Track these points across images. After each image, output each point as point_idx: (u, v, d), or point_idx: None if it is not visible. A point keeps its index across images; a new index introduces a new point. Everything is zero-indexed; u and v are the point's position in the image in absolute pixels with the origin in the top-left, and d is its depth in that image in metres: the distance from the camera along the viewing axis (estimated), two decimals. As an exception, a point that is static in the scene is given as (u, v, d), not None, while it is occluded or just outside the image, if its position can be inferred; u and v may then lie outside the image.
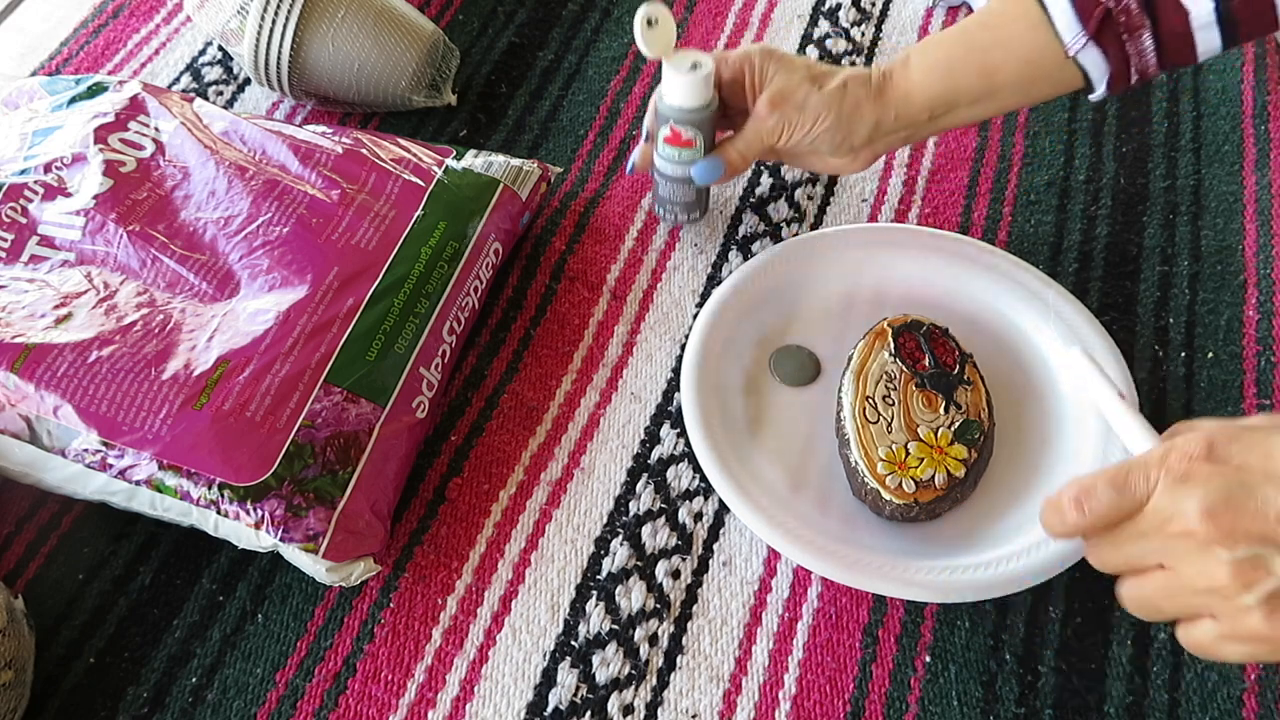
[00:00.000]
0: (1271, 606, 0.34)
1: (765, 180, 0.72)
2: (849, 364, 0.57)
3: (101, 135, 0.62)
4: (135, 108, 0.65)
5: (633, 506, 0.58)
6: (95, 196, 0.60)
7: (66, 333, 0.54)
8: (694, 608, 0.54)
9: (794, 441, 0.58)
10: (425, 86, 0.74)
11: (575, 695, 0.52)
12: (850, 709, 0.51)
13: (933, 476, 0.53)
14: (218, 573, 0.56)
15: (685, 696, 0.52)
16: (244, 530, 0.51)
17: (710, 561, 0.56)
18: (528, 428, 0.61)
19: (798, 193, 0.71)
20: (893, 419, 0.54)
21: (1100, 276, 0.66)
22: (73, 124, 0.63)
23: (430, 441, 0.60)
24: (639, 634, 0.53)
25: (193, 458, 0.51)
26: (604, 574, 0.55)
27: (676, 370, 0.63)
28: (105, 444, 0.51)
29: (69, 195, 0.60)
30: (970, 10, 0.82)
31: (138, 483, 0.51)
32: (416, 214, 0.62)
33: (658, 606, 0.54)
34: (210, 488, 0.50)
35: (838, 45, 0.81)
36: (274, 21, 0.70)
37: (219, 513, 0.51)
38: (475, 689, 0.52)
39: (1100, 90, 0.53)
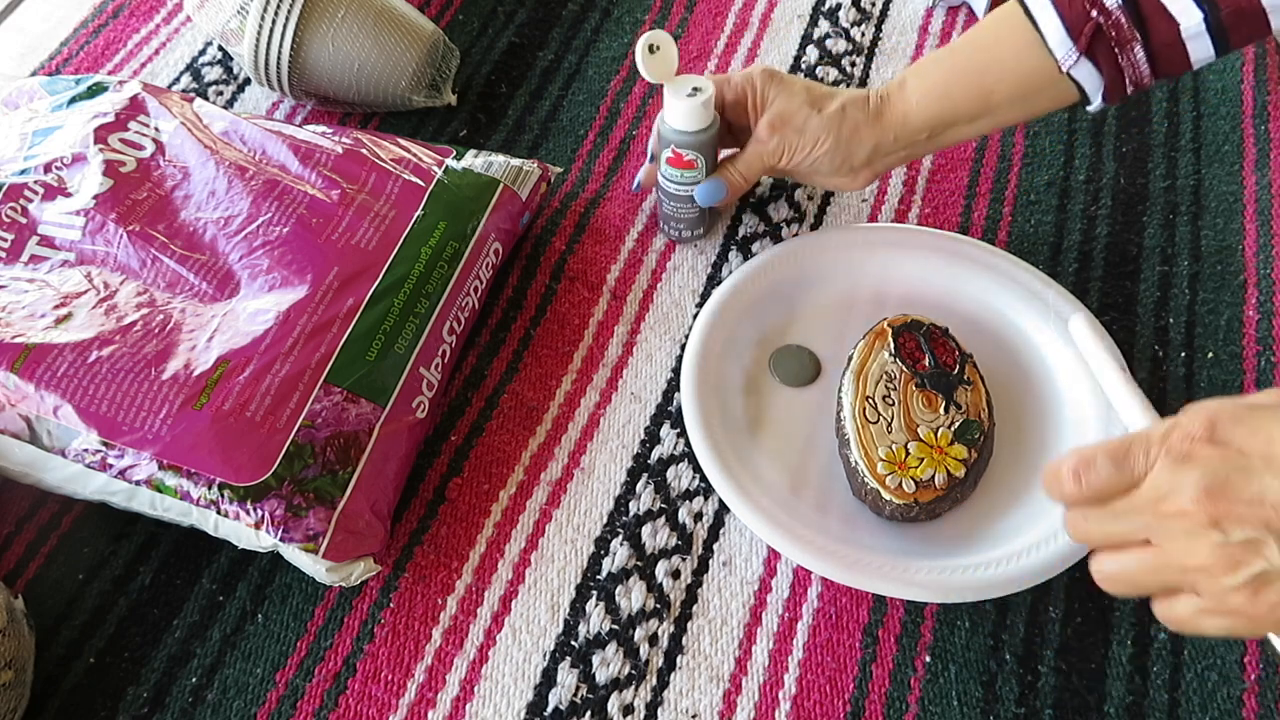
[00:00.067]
0: (1256, 586, 0.35)
1: (765, 180, 0.72)
2: (849, 364, 0.57)
3: (101, 135, 0.62)
4: (135, 108, 0.65)
5: (633, 506, 0.58)
6: (95, 196, 0.60)
7: (66, 333, 0.54)
8: (694, 608, 0.54)
9: (794, 441, 0.58)
10: (425, 86, 0.74)
11: (575, 695, 0.52)
12: (850, 709, 0.51)
13: (933, 476, 0.53)
14: (218, 573, 0.56)
15: (685, 696, 0.52)
16: (244, 530, 0.51)
17: (710, 561, 0.56)
18: (528, 428, 0.61)
19: (798, 193, 0.71)
20: (893, 419, 0.54)
21: (1100, 276, 0.66)
22: (73, 124, 0.63)
23: (430, 441, 0.60)
24: (639, 634, 0.53)
25: (193, 458, 0.51)
26: (604, 574, 0.55)
27: (676, 370, 0.63)
28: (105, 444, 0.51)
29: (69, 195, 0.60)
30: (970, 10, 0.82)
31: (138, 483, 0.51)
32: (416, 214, 0.62)
33: (658, 606, 0.54)
34: (210, 488, 0.50)
35: (838, 45, 0.80)
36: (274, 21, 0.70)
37: (219, 513, 0.51)
38: (475, 689, 0.52)
39: (1097, 103, 0.54)
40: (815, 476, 0.57)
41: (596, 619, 0.54)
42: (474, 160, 0.66)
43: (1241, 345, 0.63)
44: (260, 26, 0.70)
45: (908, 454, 0.53)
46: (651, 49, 0.58)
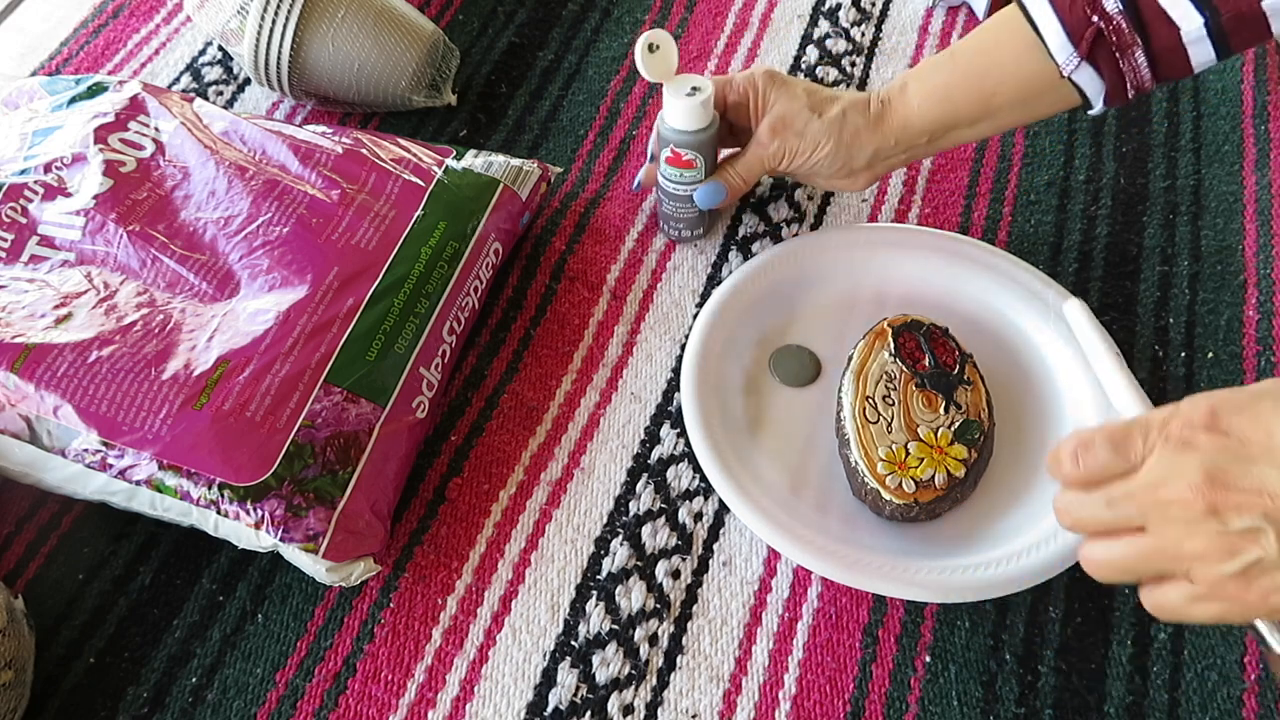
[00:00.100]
0: (1250, 574, 0.35)
1: (765, 180, 0.72)
2: (849, 364, 0.57)
3: (101, 135, 0.62)
4: (135, 108, 0.65)
5: (633, 506, 0.58)
6: (95, 196, 0.60)
7: (66, 333, 0.54)
8: (694, 608, 0.54)
9: (794, 441, 0.58)
10: (425, 86, 0.74)
11: (575, 695, 0.52)
12: (850, 709, 0.51)
13: (933, 476, 0.53)
14: (218, 573, 0.56)
15: (685, 696, 0.52)
16: (244, 530, 0.51)
17: (710, 561, 0.56)
18: (528, 428, 0.61)
19: (798, 193, 0.71)
20: (893, 419, 0.54)
21: (1100, 276, 0.66)
22: (73, 124, 0.63)
23: (430, 441, 0.60)
24: (639, 634, 0.53)
25: (193, 458, 0.51)
26: (604, 574, 0.55)
27: (676, 370, 0.63)
28: (105, 444, 0.51)
29: (69, 195, 0.60)
30: (970, 11, 0.82)
31: (138, 483, 0.51)
32: (416, 214, 0.62)
33: (658, 606, 0.54)
34: (210, 488, 0.50)
35: (838, 45, 0.81)
36: (274, 21, 0.70)
37: (219, 513, 0.51)
38: (475, 689, 0.52)
39: (1098, 107, 0.54)
40: (815, 476, 0.57)
41: (596, 619, 0.54)
42: (474, 160, 0.66)
43: (1241, 345, 0.63)
44: (260, 26, 0.70)
45: (908, 454, 0.53)
46: (651, 48, 0.58)
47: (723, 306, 0.62)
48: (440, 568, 0.56)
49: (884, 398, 0.55)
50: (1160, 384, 0.61)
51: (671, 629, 0.54)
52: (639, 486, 0.58)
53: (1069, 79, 0.53)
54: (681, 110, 0.59)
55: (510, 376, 0.63)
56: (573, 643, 0.53)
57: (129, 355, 0.53)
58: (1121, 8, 0.49)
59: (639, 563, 0.56)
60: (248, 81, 0.79)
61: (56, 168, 0.61)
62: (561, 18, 0.83)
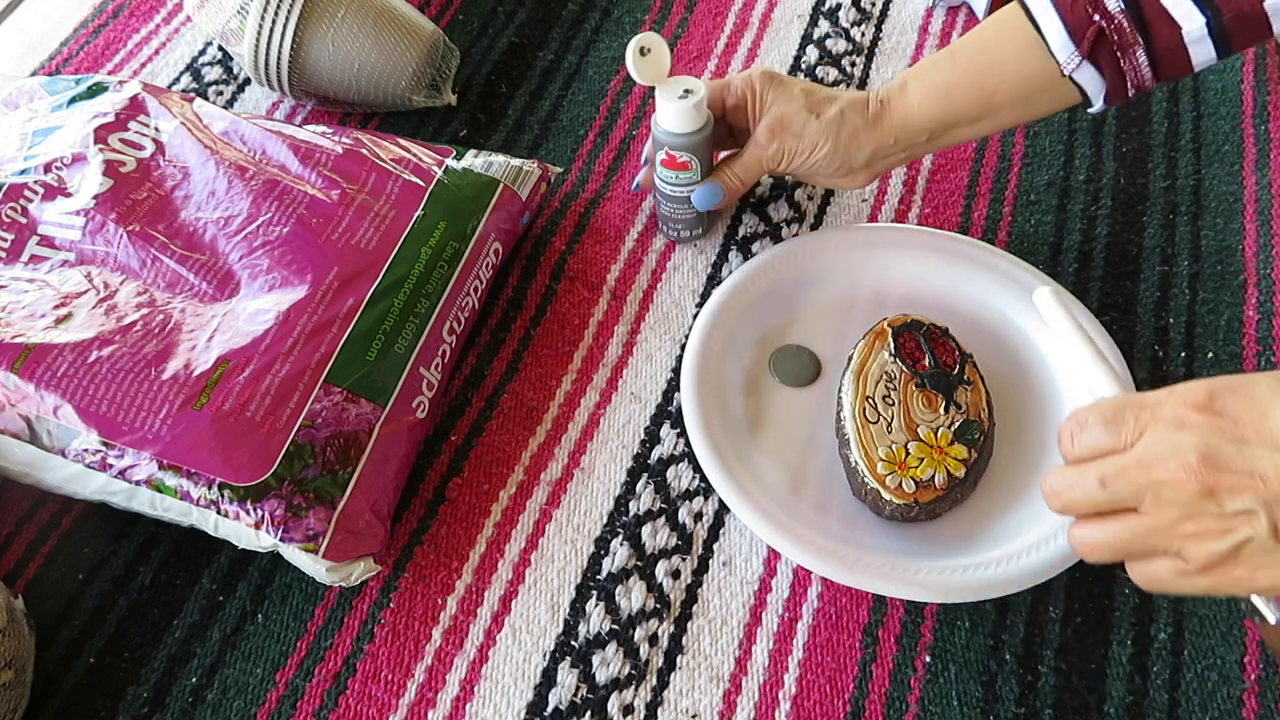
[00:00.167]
0: (1240, 552, 0.35)
1: (765, 180, 0.72)
2: (849, 364, 0.57)
3: (101, 135, 0.62)
4: (135, 108, 0.65)
5: (633, 506, 0.58)
6: (95, 196, 0.60)
7: (66, 333, 0.54)
8: (694, 608, 0.54)
9: (794, 441, 0.58)
10: (425, 86, 0.74)
11: (575, 695, 0.52)
12: (850, 709, 0.51)
13: (933, 476, 0.53)
14: (218, 573, 0.56)
15: (685, 696, 0.52)
16: (244, 530, 0.51)
17: (710, 561, 0.56)
18: (528, 428, 0.61)
19: (798, 193, 0.71)
20: (893, 419, 0.54)
21: (1100, 276, 0.66)
22: (73, 124, 0.63)
23: (430, 441, 0.60)
24: (639, 634, 0.53)
25: (193, 458, 0.51)
26: (604, 574, 0.55)
27: (676, 370, 0.63)
28: (105, 444, 0.51)
29: (69, 195, 0.60)
30: (970, 10, 0.82)
31: (138, 483, 0.51)
32: (416, 214, 0.62)
33: (658, 606, 0.54)
34: (210, 488, 0.50)
35: (838, 45, 0.80)
36: (274, 21, 0.70)
37: (219, 513, 0.51)
38: (475, 689, 0.52)
39: (1098, 105, 0.54)
40: (815, 476, 0.57)
41: (596, 619, 0.54)
42: (474, 160, 0.66)
43: (1241, 345, 0.63)
44: (260, 26, 0.70)
45: (908, 454, 0.53)
46: (643, 51, 0.58)
47: (723, 306, 0.62)
48: (440, 568, 0.56)
49: (884, 398, 0.55)
50: (1160, 384, 0.61)
51: (671, 629, 0.54)
52: (639, 486, 0.58)
53: (1070, 78, 0.53)
54: (674, 113, 0.59)
55: (510, 376, 0.63)
56: (573, 643, 0.53)
57: (129, 355, 0.53)
58: (1123, 7, 0.49)
59: (639, 563, 0.56)
60: (248, 81, 0.79)
61: (56, 168, 0.61)
62: (561, 18, 0.83)
